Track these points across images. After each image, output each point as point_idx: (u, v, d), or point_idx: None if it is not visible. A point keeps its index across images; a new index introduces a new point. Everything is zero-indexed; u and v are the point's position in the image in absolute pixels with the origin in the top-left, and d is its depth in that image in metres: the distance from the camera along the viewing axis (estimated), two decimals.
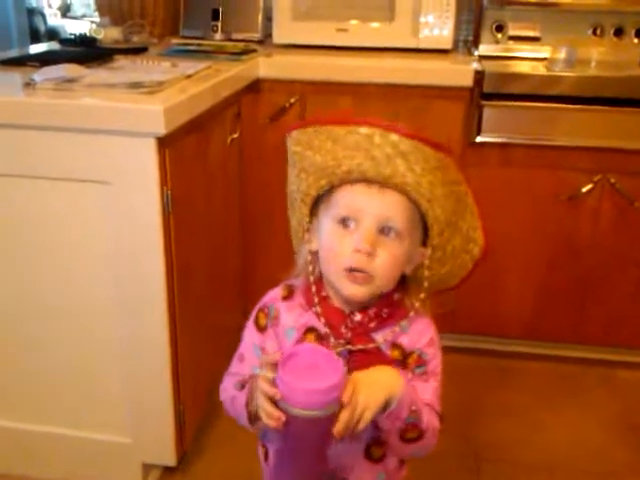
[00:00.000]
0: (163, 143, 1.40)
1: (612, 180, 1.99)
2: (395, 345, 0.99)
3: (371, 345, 0.96)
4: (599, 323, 2.17)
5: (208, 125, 1.69)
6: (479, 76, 1.94)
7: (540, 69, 2.05)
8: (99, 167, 1.42)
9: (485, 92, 1.95)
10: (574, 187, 2.01)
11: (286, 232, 2.14)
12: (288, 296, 1.03)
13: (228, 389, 1.03)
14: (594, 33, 2.24)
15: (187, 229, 1.59)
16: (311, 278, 1.00)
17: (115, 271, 1.50)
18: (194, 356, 1.70)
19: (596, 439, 1.93)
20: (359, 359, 0.95)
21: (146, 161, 1.39)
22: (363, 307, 0.98)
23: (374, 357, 0.96)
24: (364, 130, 0.87)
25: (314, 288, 0.99)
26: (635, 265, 2.10)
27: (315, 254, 1.00)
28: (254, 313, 1.06)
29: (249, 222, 2.16)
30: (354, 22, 2.20)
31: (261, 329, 1.04)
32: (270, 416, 0.85)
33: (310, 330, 0.99)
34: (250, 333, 1.05)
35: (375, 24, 2.19)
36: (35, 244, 1.51)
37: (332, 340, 0.97)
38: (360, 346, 0.96)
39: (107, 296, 1.52)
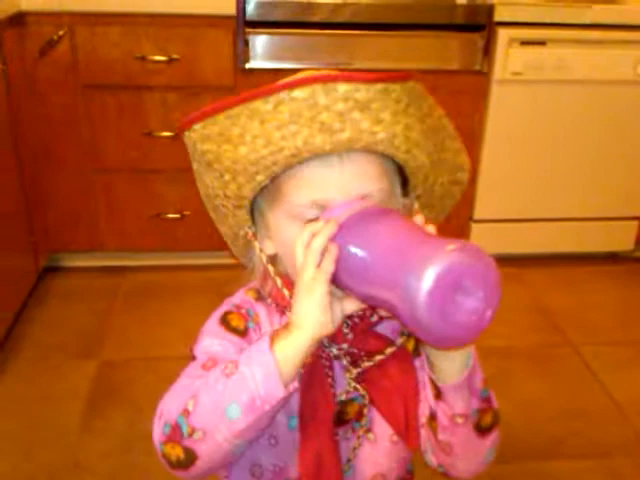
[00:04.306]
0: None
1: None
2: (404, 333, 0.76)
3: (390, 349, 0.75)
4: None
5: None
6: (241, 4, 2.05)
7: None
8: None
9: (249, 20, 2.07)
10: None
11: (72, 166, 2.20)
12: (259, 298, 0.80)
13: (192, 389, 0.68)
14: None
15: None
16: (278, 281, 0.75)
17: None
18: None
19: None
20: (378, 367, 0.75)
21: None
22: None
23: (394, 360, 0.76)
24: (299, 93, 0.64)
25: (286, 292, 0.74)
26: None
27: (274, 256, 0.77)
28: (217, 318, 0.78)
29: (29, 158, 2.14)
30: None
31: (240, 333, 0.76)
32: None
33: None
34: (221, 339, 0.75)
35: None
36: None
37: (332, 349, 0.74)
38: (379, 356, 0.75)
39: None
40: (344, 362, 0.75)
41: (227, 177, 0.71)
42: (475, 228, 2.49)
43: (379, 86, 0.64)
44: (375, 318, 0.75)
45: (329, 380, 0.75)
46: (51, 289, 2.26)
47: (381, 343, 0.75)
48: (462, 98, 2.25)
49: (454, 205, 0.82)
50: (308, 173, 0.69)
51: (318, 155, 0.67)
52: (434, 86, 2.46)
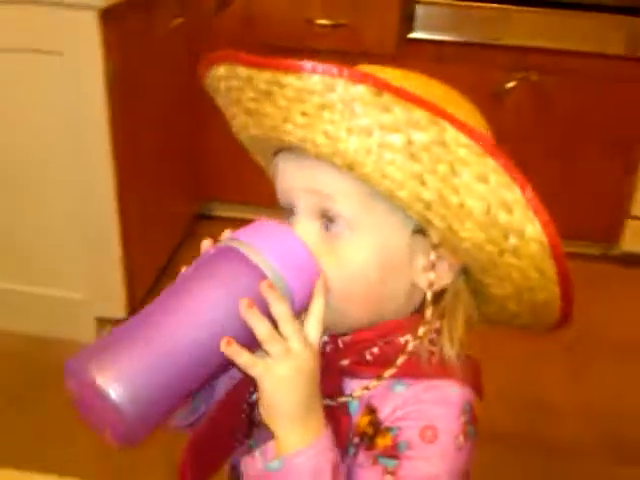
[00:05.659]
0: (106, 16, 1.50)
1: (533, 78, 2.15)
2: (369, 409, 0.60)
3: (341, 399, 0.61)
4: None
5: (150, 6, 1.77)
6: None
7: None
8: (46, 38, 1.50)
9: None
10: (499, 84, 2.17)
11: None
12: None
13: None
14: None
15: (132, 102, 1.69)
16: None
17: (65, 140, 1.61)
18: (143, 222, 1.84)
19: None
20: None
21: (90, 33, 1.48)
22: (346, 332, 0.62)
23: (331, 417, 0.59)
24: (218, 70, 0.58)
25: None
26: (554, 157, 2.28)
27: None
28: None
29: (200, 109, 2.26)
30: None
31: None
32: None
33: None
34: None
35: None
36: None
37: None
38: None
39: (58, 165, 1.64)
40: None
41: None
42: (631, 225, 2.33)
43: (265, 75, 0.55)
44: (346, 362, 0.62)
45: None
46: (203, 236, 2.39)
47: (332, 388, 0.61)
48: (626, 86, 2.15)
49: (541, 282, 0.57)
50: (276, 164, 0.63)
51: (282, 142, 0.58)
52: (594, 72, 2.35)
